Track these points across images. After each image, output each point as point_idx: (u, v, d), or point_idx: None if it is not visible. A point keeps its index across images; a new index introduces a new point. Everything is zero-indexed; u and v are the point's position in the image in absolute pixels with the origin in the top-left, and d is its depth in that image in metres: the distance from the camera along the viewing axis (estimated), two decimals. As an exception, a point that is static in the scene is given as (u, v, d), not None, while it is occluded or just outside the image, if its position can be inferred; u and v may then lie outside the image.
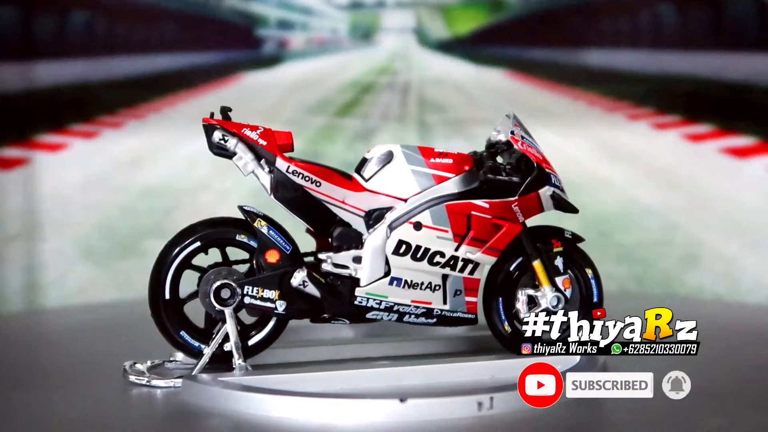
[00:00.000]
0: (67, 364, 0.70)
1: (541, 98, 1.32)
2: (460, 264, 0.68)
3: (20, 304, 1.21)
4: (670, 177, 1.35)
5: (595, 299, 0.73)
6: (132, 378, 0.67)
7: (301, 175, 0.70)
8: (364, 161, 0.72)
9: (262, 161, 0.70)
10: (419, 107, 1.33)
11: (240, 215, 0.74)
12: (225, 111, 0.74)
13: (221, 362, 0.69)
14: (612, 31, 1.36)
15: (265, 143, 0.71)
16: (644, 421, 0.56)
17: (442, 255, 0.68)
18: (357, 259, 0.70)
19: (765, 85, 1.34)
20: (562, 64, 1.33)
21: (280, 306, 0.68)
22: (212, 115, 0.70)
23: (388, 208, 0.71)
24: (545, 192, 0.68)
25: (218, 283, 0.70)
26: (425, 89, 1.32)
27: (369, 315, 0.69)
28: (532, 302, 0.70)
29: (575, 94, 1.32)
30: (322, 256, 0.69)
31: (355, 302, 0.68)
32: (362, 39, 1.32)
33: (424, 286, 0.69)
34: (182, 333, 0.72)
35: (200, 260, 0.76)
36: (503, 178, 0.69)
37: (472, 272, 0.69)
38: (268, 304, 0.68)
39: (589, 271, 0.73)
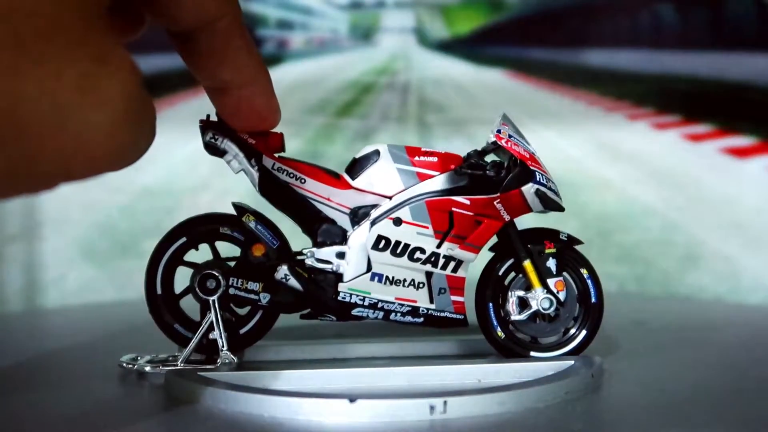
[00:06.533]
0: (67, 364, 0.70)
1: (541, 98, 1.31)
2: (441, 261, 0.68)
3: (20, 304, 1.21)
4: (670, 177, 1.35)
5: (593, 299, 0.70)
6: (125, 365, 0.68)
7: (285, 172, 0.71)
8: (354, 162, 0.73)
9: (252, 160, 0.71)
10: (419, 107, 1.33)
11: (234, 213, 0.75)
12: None
13: (214, 353, 0.70)
14: (612, 31, 1.35)
15: (254, 142, 0.71)
16: (630, 423, 0.54)
17: (423, 251, 0.67)
18: (340, 255, 0.70)
19: (765, 85, 1.34)
20: (562, 64, 1.33)
21: (264, 298, 0.69)
22: (209, 116, 0.70)
23: (374, 206, 0.71)
24: (529, 189, 0.67)
25: (203, 273, 0.70)
26: (425, 89, 1.32)
27: (354, 312, 0.68)
28: (524, 304, 0.69)
29: (575, 94, 1.31)
30: (305, 251, 0.69)
31: (338, 298, 0.68)
32: (362, 39, 1.32)
33: (407, 283, 0.69)
34: (176, 326, 0.73)
35: (201, 257, 0.76)
36: (478, 173, 0.68)
37: (455, 270, 0.68)
38: (252, 296, 0.69)
39: (584, 271, 0.71)
